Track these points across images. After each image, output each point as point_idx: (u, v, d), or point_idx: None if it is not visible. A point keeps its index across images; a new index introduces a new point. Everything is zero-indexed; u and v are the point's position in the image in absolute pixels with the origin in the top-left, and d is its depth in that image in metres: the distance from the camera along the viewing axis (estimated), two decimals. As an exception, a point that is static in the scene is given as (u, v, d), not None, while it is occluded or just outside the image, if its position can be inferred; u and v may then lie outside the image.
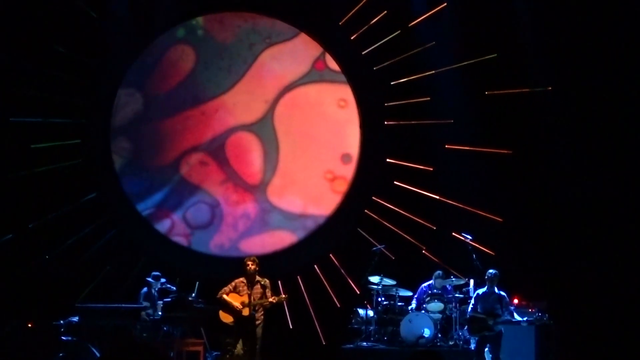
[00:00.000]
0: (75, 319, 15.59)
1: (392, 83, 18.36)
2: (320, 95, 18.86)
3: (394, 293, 16.26)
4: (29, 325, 16.07)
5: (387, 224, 18.17)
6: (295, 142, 18.82)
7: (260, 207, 18.76)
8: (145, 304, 16.04)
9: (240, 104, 18.85)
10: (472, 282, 15.89)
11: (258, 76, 18.87)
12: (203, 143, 18.86)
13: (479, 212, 17.69)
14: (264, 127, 18.81)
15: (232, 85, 18.88)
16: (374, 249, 16.74)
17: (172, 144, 18.88)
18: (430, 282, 16.34)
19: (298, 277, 18.42)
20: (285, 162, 18.77)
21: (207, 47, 19.00)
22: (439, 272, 16.41)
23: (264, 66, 18.89)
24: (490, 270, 15.08)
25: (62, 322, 15.65)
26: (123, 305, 15.89)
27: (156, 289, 16.28)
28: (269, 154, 18.79)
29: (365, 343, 15.93)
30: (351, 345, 15.96)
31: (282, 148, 18.80)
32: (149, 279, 16.37)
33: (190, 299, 15.69)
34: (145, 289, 16.39)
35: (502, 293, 14.96)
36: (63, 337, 15.53)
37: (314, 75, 18.82)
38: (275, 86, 18.85)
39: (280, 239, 18.72)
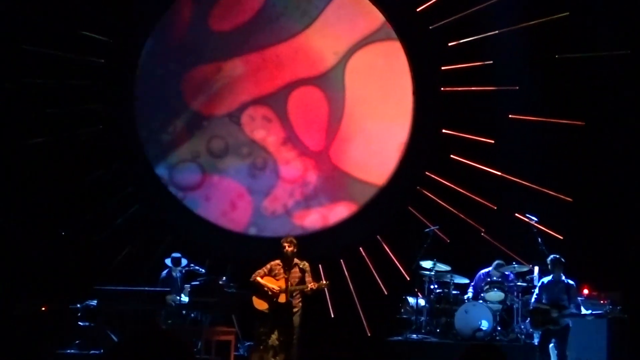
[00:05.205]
0: (94, 302, 15.94)
1: (449, 44, 18.28)
2: (395, 54, 18.83)
3: (448, 280, 16.29)
4: (43, 309, 16.31)
5: (442, 203, 18.17)
6: (362, 104, 18.85)
7: (319, 174, 18.87)
8: (165, 289, 16.13)
9: (307, 54, 18.96)
10: (536, 269, 15.81)
11: (329, 24, 18.91)
12: (265, 95, 19.00)
13: (545, 190, 17.57)
14: (331, 82, 18.88)
15: (300, 30, 18.97)
16: (427, 230, 16.72)
17: (230, 93, 19.02)
18: (489, 269, 16.35)
19: (341, 260, 18.48)
20: (350, 124, 18.82)
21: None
22: (498, 262, 16.36)
23: (335, 14, 18.92)
24: (552, 255, 14.83)
25: (79, 306, 16.10)
26: (146, 288, 15.94)
27: (182, 272, 16.47)
28: (334, 113, 18.84)
29: (415, 335, 15.93)
30: (399, 337, 16.02)
31: (348, 107, 18.83)
32: (167, 262, 16.55)
33: (220, 282, 15.79)
34: (165, 272, 16.61)
35: (570, 282, 14.67)
36: (80, 323, 15.92)
37: (382, 33, 18.81)
38: (347, 38, 18.88)
39: (334, 211, 18.86)
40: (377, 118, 18.78)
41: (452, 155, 18.30)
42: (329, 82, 18.87)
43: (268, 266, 14.28)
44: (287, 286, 14.07)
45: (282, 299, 14.04)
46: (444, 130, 18.45)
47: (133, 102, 18.95)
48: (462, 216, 17.99)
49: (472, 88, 18.17)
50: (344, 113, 18.81)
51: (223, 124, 18.98)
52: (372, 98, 18.80)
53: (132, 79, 18.95)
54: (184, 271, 16.44)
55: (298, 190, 18.88)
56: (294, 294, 14.09)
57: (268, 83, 18.96)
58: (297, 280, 14.10)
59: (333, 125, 18.82)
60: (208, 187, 18.95)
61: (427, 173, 18.50)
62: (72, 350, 15.51)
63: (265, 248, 16.63)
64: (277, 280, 14.14)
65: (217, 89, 19.00)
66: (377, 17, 18.80)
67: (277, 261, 14.25)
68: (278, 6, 19.02)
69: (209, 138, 18.98)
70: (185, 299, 15.98)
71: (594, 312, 14.91)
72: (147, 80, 19.03)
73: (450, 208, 18.06)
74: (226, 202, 18.92)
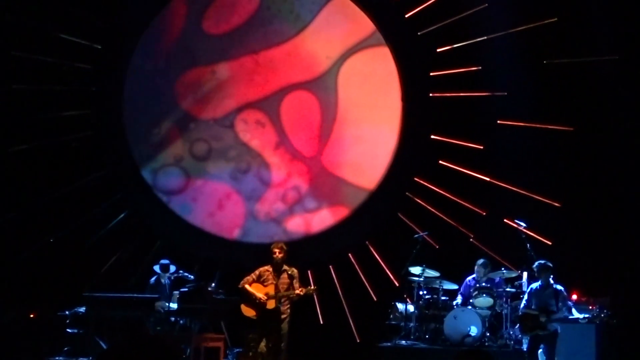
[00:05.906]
0: (82, 309, 15.76)
1: (438, 50, 18.16)
2: (387, 59, 18.77)
3: (437, 286, 16.15)
4: (32, 316, 16.27)
5: (431, 208, 18.07)
6: (355, 108, 18.78)
7: (311, 179, 18.79)
8: (154, 295, 16.01)
9: (300, 58, 18.87)
10: (525, 275, 15.71)
11: (323, 29, 18.84)
12: (258, 99, 18.92)
13: (534, 196, 17.47)
14: (324, 87, 18.77)
15: (294, 34, 18.90)
16: (416, 236, 16.61)
17: (222, 97, 18.99)
18: (475, 274, 16.22)
19: (330, 266, 18.42)
20: (342, 129, 18.76)
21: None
22: (482, 260, 16.29)
23: (329, 19, 18.84)
24: (538, 261, 14.86)
25: (67, 312, 15.93)
26: (135, 295, 15.86)
27: (171, 279, 16.35)
28: (327, 118, 18.75)
29: (404, 341, 15.84)
30: (388, 344, 15.87)
31: (341, 112, 18.77)
32: (155, 268, 16.47)
33: (209, 289, 15.68)
34: (153, 279, 16.51)
35: (559, 287, 14.67)
36: (68, 330, 15.79)
37: (374, 38, 18.75)
38: (341, 43, 18.79)
39: (324, 217, 18.79)
40: (370, 123, 18.63)
41: (441, 161, 18.17)
42: (322, 86, 18.75)
43: (257, 272, 14.24)
44: (276, 292, 14.06)
45: (270, 305, 14.00)
46: (432, 136, 18.31)
47: (122, 107, 18.79)
48: (451, 222, 17.87)
49: (461, 93, 18.04)
50: (337, 118, 18.67)
51: (215, 127, 18.83)
52: (364, 103, 18.64)
53: (122, 83, 18.77)
54: (172, 277, 16.25)
55: (289, 195, 18.76)
56: (282, 300, 14.07)
57: (261, 87, 18.84)
58: (285, 286, 14.07)
59: (325, 129, 18.68)
60: (194, 190, 18.81)
61: (416, 179, 18.36)
62: (61, 358, 15.41)
63: (254, 254, 16.58)
64: (266, 286, 14.10)
65: (210, 92, 18.87)
66: (369, 23, 18.66)
67: (267, 267, 14.23)
68: (272, 9, 18.89)
69: (200, 141, 18.87)
70: (174, 305, 15.79)
71: (584, 317, 14.82)
72: (138, 83, 18.88)
73: (439, 214, 17.95)
74: (214, 206, 18.77)
